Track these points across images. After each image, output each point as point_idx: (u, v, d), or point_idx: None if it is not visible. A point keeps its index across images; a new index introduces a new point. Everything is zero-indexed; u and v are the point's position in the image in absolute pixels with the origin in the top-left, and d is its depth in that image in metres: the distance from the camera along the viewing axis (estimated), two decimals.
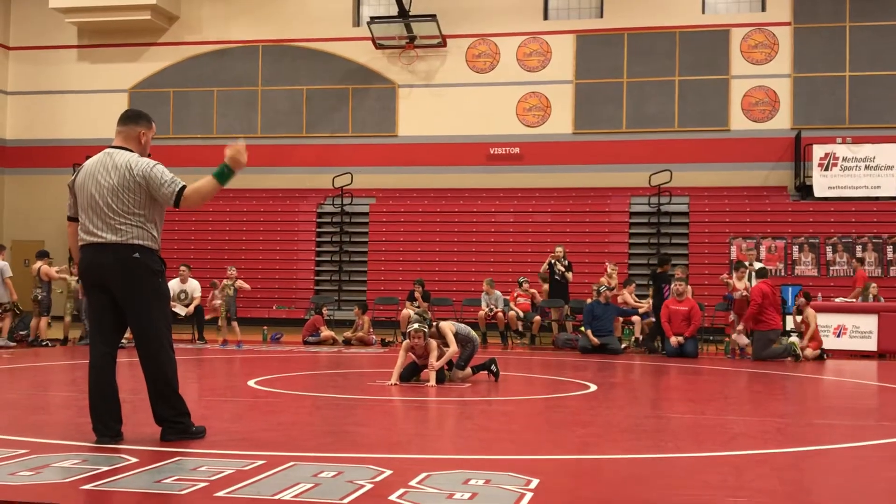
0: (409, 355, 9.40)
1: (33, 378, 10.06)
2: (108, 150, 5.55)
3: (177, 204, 5.34)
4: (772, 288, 14.37)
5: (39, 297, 14.91)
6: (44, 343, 14.66)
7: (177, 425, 5.52)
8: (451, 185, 22.80)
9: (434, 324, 9.48)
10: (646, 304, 16.56)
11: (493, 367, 9.77)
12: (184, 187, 5.36)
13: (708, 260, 19.98)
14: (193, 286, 16.24)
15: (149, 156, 5.62)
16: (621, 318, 16.28)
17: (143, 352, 5.50)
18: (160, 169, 5.39)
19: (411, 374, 9.43)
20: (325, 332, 16.47)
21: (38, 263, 15.19)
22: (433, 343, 9.25)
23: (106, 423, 5.39)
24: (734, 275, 15.24)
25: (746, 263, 16.03)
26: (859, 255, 19.21)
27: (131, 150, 5.52)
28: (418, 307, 16.07)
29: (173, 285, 16.17)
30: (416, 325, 9.17)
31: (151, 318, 5.47)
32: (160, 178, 5.34)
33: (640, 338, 16.08)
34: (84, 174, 5.51)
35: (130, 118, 5.66)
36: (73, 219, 5.62)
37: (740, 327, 14.44)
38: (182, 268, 16.36)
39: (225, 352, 14.18)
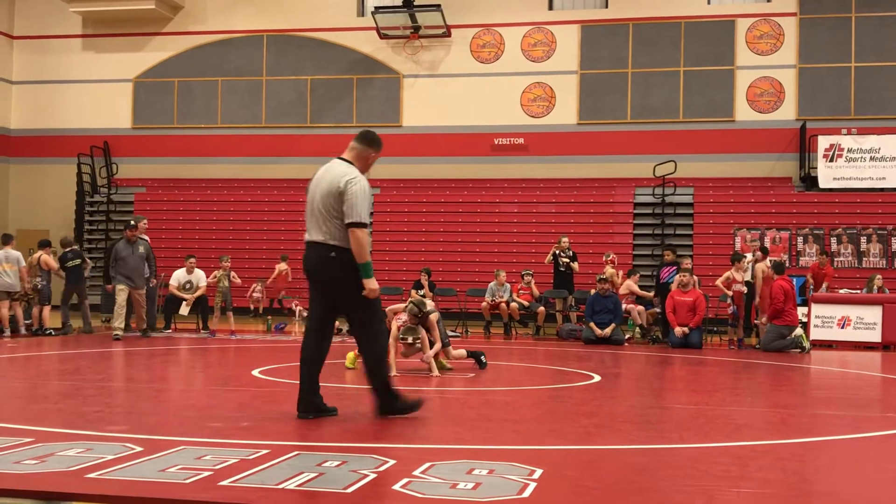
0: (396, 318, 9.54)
1: (37, 367, 10.09)
2: (336, 159, 6.25)
3: (346, 227, 5.93)
4: (790, 283, 14.46)
5: (39, 286, 14.96)
6: (48, 332, 14.70)
7: (385, 405, 6.15)
8: (455, 176, 22.78)
9: (427, 313, 9.51)
10: (650, 296, 16.59)
11: (482, 359, 9.96)
12: (360, 225, 5.90)
13: (712, 251, 19.96)
14: (199, 276, 16.26)
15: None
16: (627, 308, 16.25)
17: (357, 337, 6.24)
18: (361, 194, 5.97)
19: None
20: None
21: (39, 252, 15.23)
22: (423, 333, 9.33)
23: (302, 401, 6.08)
24: (733, 267, 15.21)
25: (749, 255, 16.02)
26: (834, 248, 19.35)
27: (354, 165, 6.17)
28: (423, 296, 16.05)
29: (180, 275, 16.24)
30: (409, 339, 9.24)
31: (356, 308, 6.09)
32: (352, 200, 5.91)
33: (646, 327, 16.07)
34: (314, 180, 6.20)
35: (369, 140, 6.40)
36: None
37: (763, 319, 14.63)
38: (190, 259, 16.41)
39: (229, 341, 14.20)
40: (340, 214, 5.94)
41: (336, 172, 6.08)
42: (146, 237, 15.81)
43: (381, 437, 5.48)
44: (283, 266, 17.95)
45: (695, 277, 15.16)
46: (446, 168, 22.86)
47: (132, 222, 14.89)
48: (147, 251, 14.84)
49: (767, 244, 19.59)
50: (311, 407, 6.10)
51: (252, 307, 17.87)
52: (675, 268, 15.68)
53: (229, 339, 14.55)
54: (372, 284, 5.97)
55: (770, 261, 16.23)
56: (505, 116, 22.86)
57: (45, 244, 15.49)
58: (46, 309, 15.02)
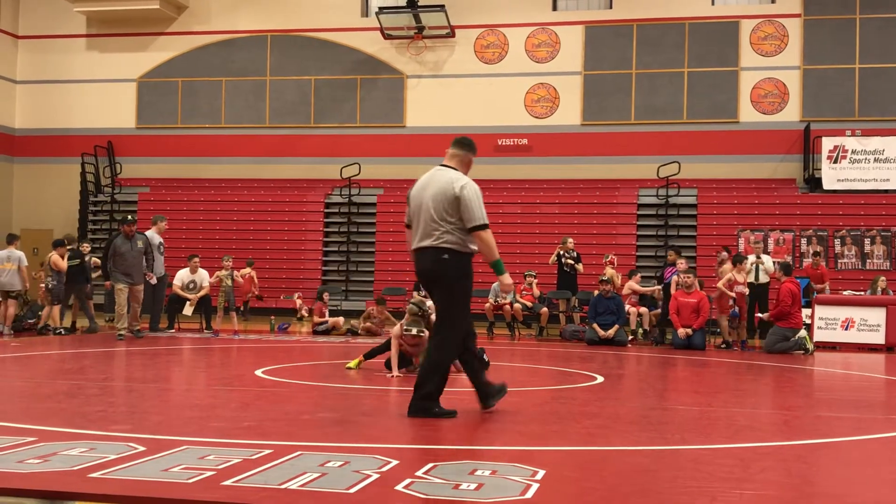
0: (401, 342, 9.33)
1: (42, 366, 10.10)
2: (438, 167, 6.42)
3: (468, 232, 6.13)
4: (797, 285, 14.48)
5: (50, 285, 14.95)
6: (58, 331, 14.71)
7: (419, 404, 6.21)
8: None
9: (428, 313, 9.40)
10: (654, 290, 16.61)
11: (483, 357, 9.86)
12: (483, 227, 6.11)
13: (716, 252, 19.92)
14: (202, 276, 16.22)
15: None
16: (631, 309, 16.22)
17: (433, 336, 6.46)
18: (475, 197, 6.16)
19: (402, 363, 9.40)
20: (332, 319, 16.45)
21: (52, 252, 15.22)
22: (426, 337, 9.18)
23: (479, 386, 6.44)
24: (735, 268, 15.19)
25: (753, 257, 15.99)
26: (838, 249, 19.39)
27: (456, 170, 6.37)
28: (424, 296, 15.99)
29: (183, 275, 16.19)
30: (414, 331, 8.93)
31: (445, 310, 6.29)
32: (469, 204, 6.10)
33: (648, 329, 16.06)
34: (418, 187, 6.36)
35: (468, 146, 6.63)
36: (409, 226, 6.44)
37: (765, 315, 14.69)
38: (193, 259, 16.36)
39: (232, 341, 14.21)
40: (454, 218, 6.11)
41: (446, 178, 6.23)
42: (161, 238, 15.80)
43: (384, 437, 5.49)
44: (247, 270, 18.10)
45: (696, 279, 15.14)
46: None
47: (129, 217, 14.78)
48: (146, 246, 14.62)
49: (771, 246, 19.59)
50: (485, 395, 6.49)
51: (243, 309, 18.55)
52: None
53: (232, 339, 14.56)
54: (507, 279, 6.28)
55: (775, 262, 16.24)
56: (508, 117, 22.86)
57: (58, 244, 15.41)
58: (57, 308, 15.03)
